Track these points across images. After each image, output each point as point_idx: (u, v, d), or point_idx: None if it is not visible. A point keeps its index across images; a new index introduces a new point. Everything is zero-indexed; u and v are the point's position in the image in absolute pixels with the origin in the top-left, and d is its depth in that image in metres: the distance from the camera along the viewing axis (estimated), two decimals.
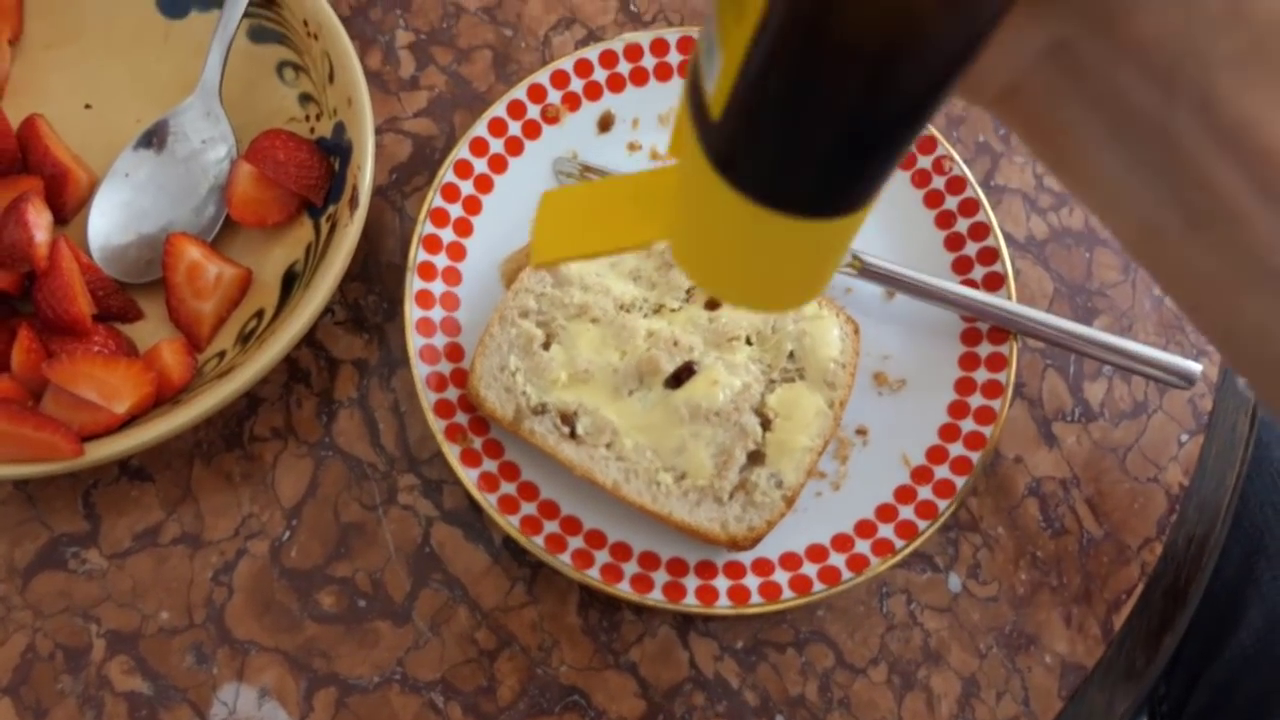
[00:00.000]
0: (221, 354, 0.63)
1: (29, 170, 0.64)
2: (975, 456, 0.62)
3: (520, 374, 0.60)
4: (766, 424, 0.60)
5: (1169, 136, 0.29)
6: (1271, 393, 0.35)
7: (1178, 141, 0.29)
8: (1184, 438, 0.67)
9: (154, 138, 0.66)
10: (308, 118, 0.67)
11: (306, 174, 0.64)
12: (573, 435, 0.59)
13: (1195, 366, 0.63)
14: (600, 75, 0.69)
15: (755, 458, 0.59)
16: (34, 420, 0.56)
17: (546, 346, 0.61)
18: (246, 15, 0.66)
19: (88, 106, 0.69)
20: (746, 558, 0.60)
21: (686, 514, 0.58)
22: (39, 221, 0.60)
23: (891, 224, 0.68)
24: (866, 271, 0.65)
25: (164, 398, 0.60)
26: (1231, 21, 0.27)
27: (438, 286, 0.64)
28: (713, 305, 0.62)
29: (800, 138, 0.28)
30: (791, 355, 0.61)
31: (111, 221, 0.65)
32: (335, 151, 0.65)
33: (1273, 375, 0.34)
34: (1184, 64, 0.28)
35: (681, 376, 0.60)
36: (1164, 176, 0.31)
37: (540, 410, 0.60)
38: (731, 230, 0.32)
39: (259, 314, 0.64)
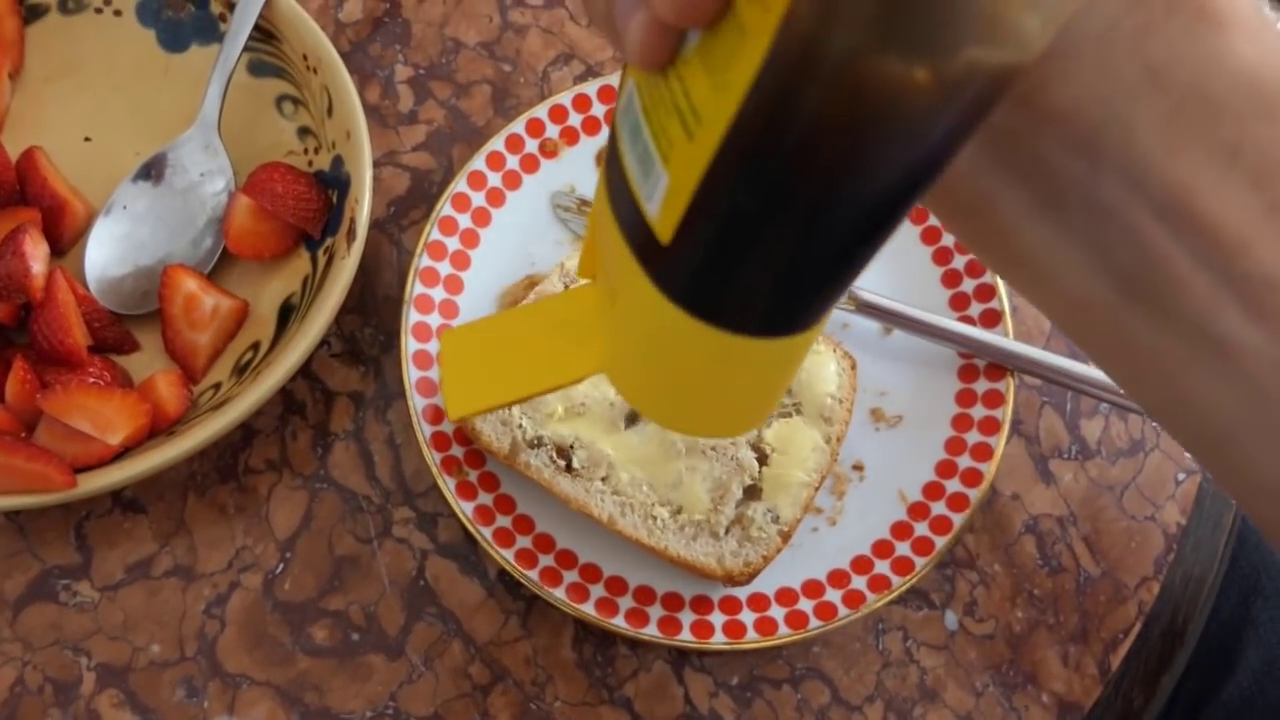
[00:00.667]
0: (217, 386, 0.63)
1: (27, 202, 0.64)
2: (972, 493, 0.62)
3: (516, 407, 0.60)
4: (763, 459, 0.60)
5: (1098, 205, 0.29)
6: (1218, 468, 0.34)
7: (1108, 210, 0.29)
8: (1181, 476, 0.67)
9: (152, 170, 0.66)
10: (306, 151, 0.68)
11: (304, 207, 0.64)
12: (569, 469, 0.59)
13: None
14: (598, 110, 0.69)
15: (751, 492, 0.59)
16: (27, 451, 0.56)
17: None
18: (246, 49, 0.67)
19: (87, 139, 0.69)
20: (742, 593, 0.60)
21: (682, 548, 0.58)
22: (36, 253, 0.60)
23: (889, 260, 0.67)
24: (864, 307, 0.65)
25: (159, 429, 0.60)
26: (1150, 87, 0.27)
27: (435, 319, 0.64)
28: None
29: (771, 259, 0.27)
30: (789, 390, 0.61)
31: (109, 253, 0.65)
32: (333, 184, 0.65)
33: (1216, 451, 0.33)
34: (1107, 131, 0.28)
35: None
36: (1094, 247, 0.30)
37: (536, 443, 0.59)
38: (683, 355, 0.30)
39: (255, 346, 0.64)
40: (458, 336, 0.36)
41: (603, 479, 0.59)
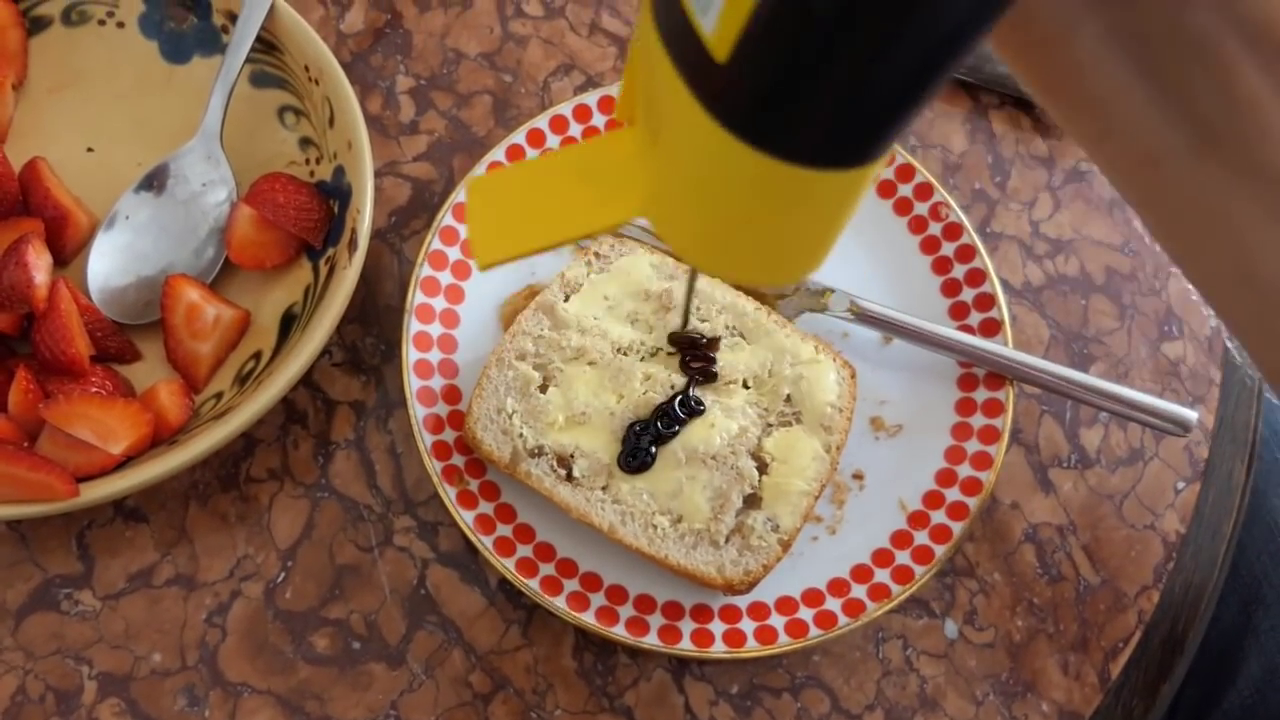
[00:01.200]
0: (219, 395, 0.63)
1: (30, 212, 0.65)
2: (972, 502, 0.62)
3: (517, 416, 0.60)
4: (763, 468, 0.60)
5: (1185, 36, 0.26)
6: (1276, 351, 0.31)
7: (1195, 41, 0.26)
8: (1180, 485, 0.67)
9: (155, 181, 0.67)
10: (308, 161, 0.68)
11: (306, 217, 0.64)
12: (569, 478, 0.59)
13: (1191, 414, 0.63)
14: (599, 120, 0.69)
15: (752, 501, 0.59)
16: (29, 461, 0.56)
17: (544, 389, 0.61)
18: (248, 60, 0.67)
19: (90, 150, 0.69)
20: (742, 602, 0.60)
21: (683, 557, 0.58)
22: (39, 263, 0.60)
23: (888, 269, 0.68)
24: (863, 316, 0.65)
25: (160, 438, 0.60)
26: None
27: (435, 329, 0.64)
28: (711, 346, 0.62)
29: (842, 76, 0.24)
30: (789, 399, 0.61)
31: (111, 263, 0.65)
32: (335, 195, 0.66)
33: (1276, 329, 0.30)
34: None
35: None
36: (1175, 87, 0.27)
37: (537, 453, 0.60)
38: (736, 192, 0.28)
39: (257, 355, 0.64)
40: (484, 183, 0.34)
41: (603, 488, 0.59)
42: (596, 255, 0.65)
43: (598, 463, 0.59)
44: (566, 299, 0.63)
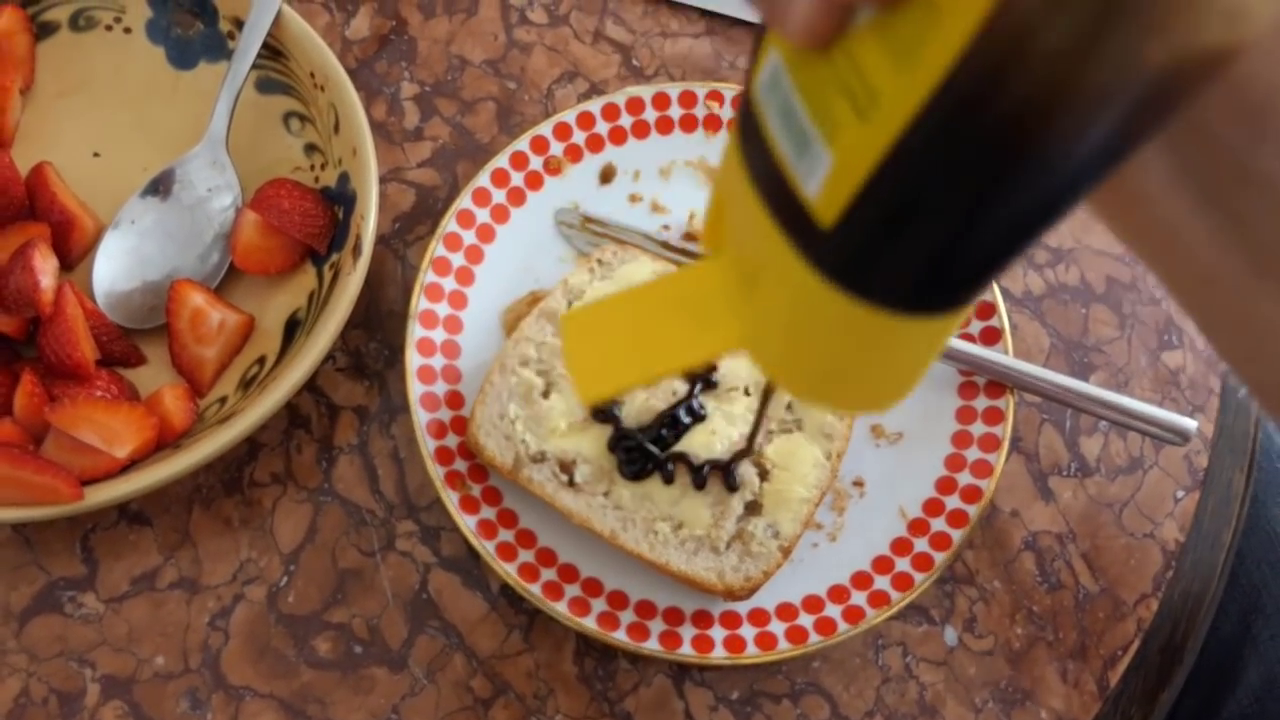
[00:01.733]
0: (223, 399, 0.63)
1: (36, 217, 0.65)
2: (972, 510, 0.62)
3: (520, 422, 0.60)
4: (764, 474, 0.60)
5: (1251, 176, 0.28)
6: None
7: (1260, 181, 0.28)
8: (1180, 494, 0.67)
9: (160, 186, 0.67)
10: (313, 167, 0.68)
11: (310, 222, 0.64)
12: (571, 483, 0.59)
13: (1191, 423, 0.63)
14: (602, 128, 0.69)
15: (752, 508, 0.60)
16: (34, 464, 0.56)
17: (546, 395, 0.61)
18: (254, 67, 0.67)
19: (96, 155, 0.70)
20: (743, 608, 0.60)
21: (683, 563, 0.58)
22: (45, 267, 0.61)
23: None
24: None
25: (165, 442, 0.61)
26: None
27: (439, 334, 0.64)
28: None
29: (942, 241, 0.26)
30: (790, 406, 0.62)
31: (117, 268, 0.66)
32: (339, 200, 0.66)
33: None
34: (1276, 102, 0.27)
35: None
36: (1236, 220, 0.29)
37: (539, 458, 0.60)
38: (834, 335, 0.29)
39: (261, 360, 0.64)
40: (578, 318, 0.35)
41: (605, 494, 0.59)
42: (599, 262, 0.65)
43: (599, 468, 0.59)
44: (569, 305, 0.64)
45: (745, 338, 0.32)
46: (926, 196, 0.25)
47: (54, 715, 0.59)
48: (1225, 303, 0.31)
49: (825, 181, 0.26)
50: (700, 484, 0.59)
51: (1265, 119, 0.27)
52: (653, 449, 0.59)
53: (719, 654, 0.59)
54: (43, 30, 0.71)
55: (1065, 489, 0.67)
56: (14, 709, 0.59)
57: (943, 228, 0.25)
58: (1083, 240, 0.73)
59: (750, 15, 0.76)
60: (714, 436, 0.60)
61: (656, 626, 0.59)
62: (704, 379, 0.61)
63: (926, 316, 0.28)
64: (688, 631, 0.59)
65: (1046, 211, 0.26)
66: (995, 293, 0.66)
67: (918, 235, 0.26)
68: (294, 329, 0.65)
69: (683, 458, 0.59)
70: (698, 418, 0.60)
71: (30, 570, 0.62)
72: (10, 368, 0.61)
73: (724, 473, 0.59)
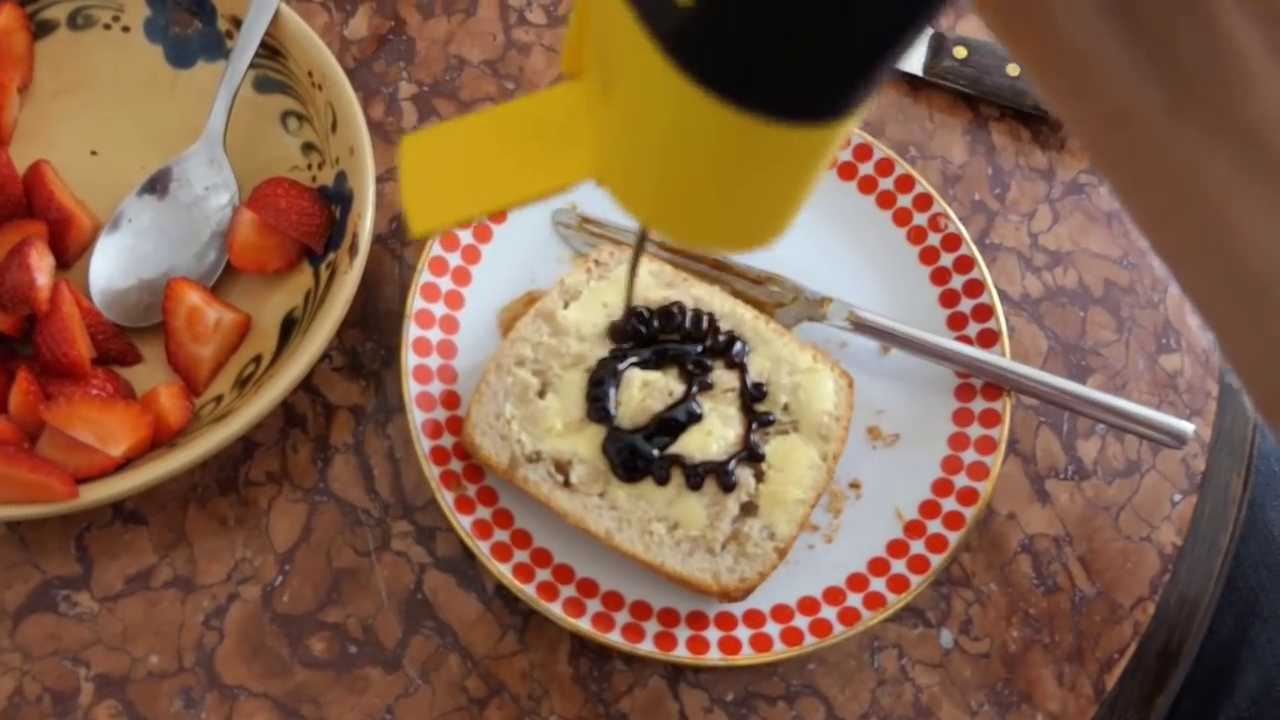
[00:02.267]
0: (219, 398, 0.63)
1: (33, 215, 0.65)
2: (968, 512, 0.62)
3: (515, 422, 0.60)
4: (760, 476, 0.60)
5: None
6: (1240, 325, 0.29)
7: None
8: (1176, 497, 0.67)
9: (158, 184, 0.67)
10: (310, 166, 0.68)
11: (307, 221, 0.64)
12: (566, 484, 0.59)
13: (1188, 427, 0.63)
14: None
15: (748, 509, 0.59)
16: (29, 462, 0.56)
17: (542, 395, 0.61)
18: (252, 66, 0.67)
19: (93, 153, 0.70)
20: (738, 609, 0.60)
21: (679, 564, 0.58)
22: (41, 265, 0.61)
23: (887, 280, 0.68)
24: (862, 326, 0.66)
25: (160, 441, 0.61)
26: None
27: (435, 334, 0.64)
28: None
29: (821, 16, 0.22)
30: (786, 408, 0.62)
31: (113, 266, 0.65)
32: (336, 200, 0.66)
33: (1244, 303, 0.28)
34: None
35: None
36: (1155, 38, 0.26)
37: (535, 458, 0.60)
38: (698, 149, 0.26)
39: (257, 359, 0.64)
40: (419, 141, 0.31)
41: (600, 494, 0.59)
42: (596, 263, 0.65)
43: (595, 469, 0.59)
44: (566, 306, 0.64)
45: (602, 165, 0.29)
46: None
47: (48, 714, 0.59)
48: (1139, 147, 0.28)
49: None
50: (696, 485, 0.59)
51: None
52: (645, 447, 0.59)
53: (714, 655, 0.59)
54: (41, 28, 0.71)
55: (1062, 492, 0.67)
56: (8, 708, 0.59)
57: (813, 3, 0.22)
58: (1081, 244, 0.73)
59: None
60: (709, 437, 0.60)
61: (652, 627, 0.59)
62: (701, 380, 0.61)
63: (806, 123, 0.25)
64: (683, 633, 0.59)
65: None
66: (993, 295, 0.66)
67: (785, 12, 0.22)
68: (290, 328, 0.65)
69: (677, 459, 0.59)
70: (694, 418, 0.60)
71: (24, 569, 0.62)
72: (6, 365, 0.61)
73: (720, 473, 0.59)
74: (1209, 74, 0.26)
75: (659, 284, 0.64)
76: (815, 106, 0.25)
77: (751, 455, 0.60)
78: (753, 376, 0.62)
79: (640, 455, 0.59)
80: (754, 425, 0.60)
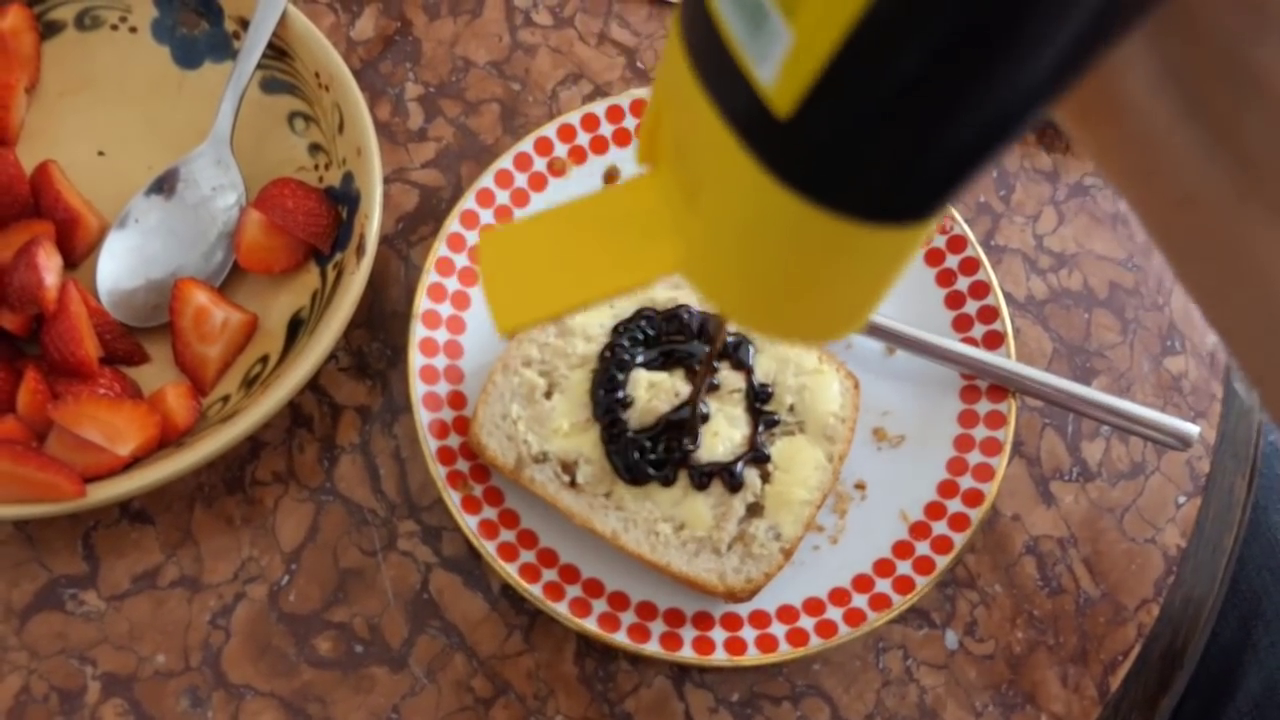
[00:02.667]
0: (226, 398, 0.63)
1: (41, 214, 0.65)
2: (973, 513, 0.62)
3: (522, 422, 0.60)
4: (765, 476, 0.60)
5: (1246, 74, 0.25)
6: None
7: (1255, 79, 0.25)
8: (1181, 500, 0.67)
9: (165, 184, 0.67)
10: (317, 167, 0.68)
11: (314, 222, 0.64)
12: (573, 484, 0.60)
13: (1193, 429, 0.63)
14: (606, 130, 0.69)
15: (754, 510, 0.60)
16: (37, 461, 0.57)
17: (549, 396, 0.61)
18: (259, 66, 0.67)
19: (101, 153, 0.70)
20: (744, 610, 0.60)
21: (684, 564, 0.58)
22: (49, 265, 0.61)
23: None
24: (867, 328, 0.66)
25: (167, 440, 0.61)
26: None
27: (441, 334, 0.64)
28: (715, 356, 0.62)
29: (920, 132, 0.23)
30: (792, 409, 0.62)
31: (120, 266, 0.66)
32: (343, 200, 0.66)
33: None
34: None
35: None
36: (1223, 125, 0.26)
37: (541, 459, 0.60)
38: (786, 248, 0.26)
39: (264, 359, 0.64)
40: (499, 238, 0.31)
41: (606, 494, 0.59)
42: None
43: (601, 469, 0.59)
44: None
45: (685, 259, 0.29)
46: (901, 75, 0.22)
47: (54, 712, 0.59)
48: (1202, 228, 0.29)
49: (783, 63, 0.22)
50: (702, 485, 0.59)
51: (1268, 7, 0.25)
52: (648, 445, 0.59)
53: (719, 656, 0.59)
54: (48, 29, 0.71)
55: (1067, 493, 0.67)
56: (14, 706, 0.59)
57: (919, 115, 0.22)
58: (1086, 246, 0.73)
59: None
60: (716, 438, 0.60)
61: (657, 628, 0.59)
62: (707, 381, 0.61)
63: (893, 226, 0.25)
64: (688, 633, 0.59)
65: (1031, 96, 0.23)
66: (998, 296, 0.66)
67: (890, 124, 0.23)
68: (297, 328, 0.65)
69: (683, 460, 0.59)
70: (701, 419, 0.60)
71: (32, 567, 0.62)
72: (14, 365, 0.62)
73: (726, 474, 0.59)
74: (1275, 161, 0.26)
75: (666, 286, 0.64)
76: (905, 210, 0.25)
77: (757, 456, 0.60)
78: (759, 378, 0.62)
79: (646, 457, 0.59)
80: (760, 426, 0.61)
